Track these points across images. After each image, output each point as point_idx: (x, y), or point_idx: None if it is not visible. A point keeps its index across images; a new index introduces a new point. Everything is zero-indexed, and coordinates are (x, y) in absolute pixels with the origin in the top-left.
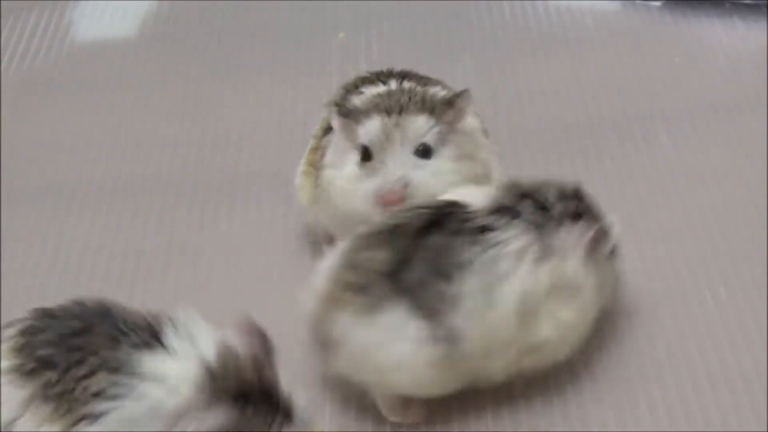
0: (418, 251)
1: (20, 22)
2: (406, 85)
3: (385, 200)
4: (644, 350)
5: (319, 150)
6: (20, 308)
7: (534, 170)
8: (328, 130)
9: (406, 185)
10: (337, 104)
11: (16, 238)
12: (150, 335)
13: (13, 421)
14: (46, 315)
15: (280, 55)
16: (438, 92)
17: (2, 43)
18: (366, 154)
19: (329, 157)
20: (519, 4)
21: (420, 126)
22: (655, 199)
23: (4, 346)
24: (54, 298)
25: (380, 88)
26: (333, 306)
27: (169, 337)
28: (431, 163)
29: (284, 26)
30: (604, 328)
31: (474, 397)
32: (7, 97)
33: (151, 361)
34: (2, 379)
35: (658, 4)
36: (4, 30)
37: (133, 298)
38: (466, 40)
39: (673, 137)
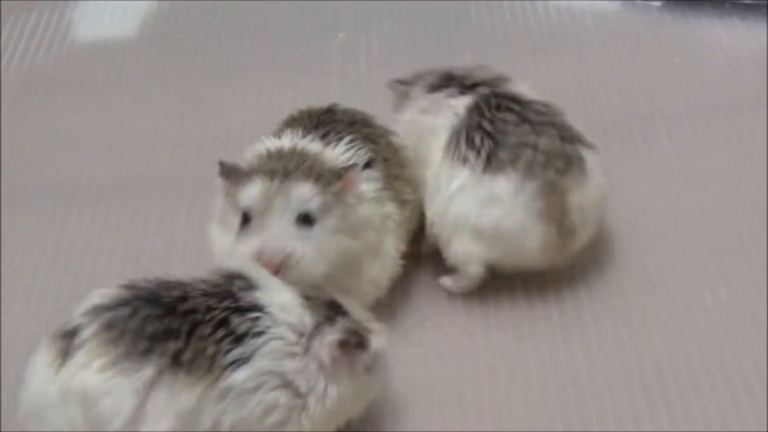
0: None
1: (20, 22)
2: (301, 145)
3: (263, 265)
4: (644, 350)
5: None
6: (20, 308)
7: None
8: None
9: (287, 256)
10: (220, 164)
11: (16, 238)
12: (245, 280)
13: (139, 408)
14: (124, 303)
15: (280, 55)
16: (332, 160)
17: (2, 43)
18: (246, 219)
19: (216, 213)
20: (519, 4)
21: (303, 193)
22: (655, 199)
23: (88, 347)
24: (54, 298)
25: (283, 142)
26: (564, 200)
27: (259, 278)
28: (313, 236)
29: (284, 26)
30: (604, 329)
31: (472, 396)
32: (7, 97)
33: (266, 296)
34: (107, 374)
35: (658, 4)
36: (4, 30)
37: None
38: (466, 40)
39: (673, 137)
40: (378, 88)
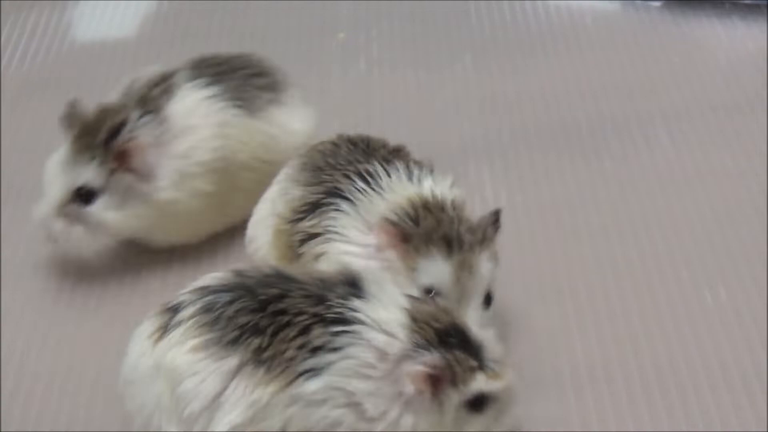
0: None
1: (20, 22)
2: (427, 190)
3: None
4: (644, 350)
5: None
6: (20, 308)
7: (534, 170)
8: (308, 209)
9: None
10: (391, 223)
11: (16, 238)
12: (351, 287)
13: (219, 394)
14: (226, 289)
15: (280, 55)
16: (466, 213)
17: (2, 43)
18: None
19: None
20: (519, 4)
21: (487, 272)
22: (655, 199)
23: (185, 326)
24: (54, 299)
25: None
26: None
27: (369, 287)
28: (491, 313)
29: (284, 26)
30: (603, 329)
31: None
32: (7, 97)
33: (363, 310)
34: (197, 356)
35: (658, 4)
36: (4, 30)
37: (133, 298)
38: (466, 40)
39: (673, 137)
40: (378, 88)
